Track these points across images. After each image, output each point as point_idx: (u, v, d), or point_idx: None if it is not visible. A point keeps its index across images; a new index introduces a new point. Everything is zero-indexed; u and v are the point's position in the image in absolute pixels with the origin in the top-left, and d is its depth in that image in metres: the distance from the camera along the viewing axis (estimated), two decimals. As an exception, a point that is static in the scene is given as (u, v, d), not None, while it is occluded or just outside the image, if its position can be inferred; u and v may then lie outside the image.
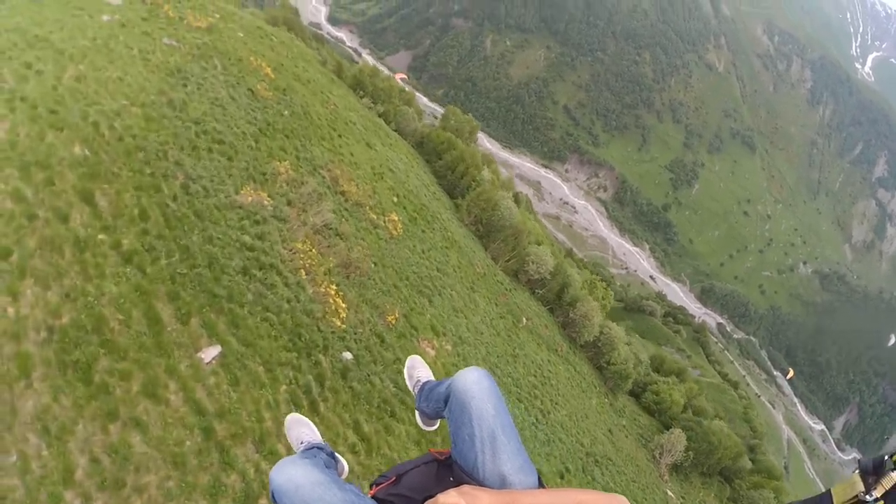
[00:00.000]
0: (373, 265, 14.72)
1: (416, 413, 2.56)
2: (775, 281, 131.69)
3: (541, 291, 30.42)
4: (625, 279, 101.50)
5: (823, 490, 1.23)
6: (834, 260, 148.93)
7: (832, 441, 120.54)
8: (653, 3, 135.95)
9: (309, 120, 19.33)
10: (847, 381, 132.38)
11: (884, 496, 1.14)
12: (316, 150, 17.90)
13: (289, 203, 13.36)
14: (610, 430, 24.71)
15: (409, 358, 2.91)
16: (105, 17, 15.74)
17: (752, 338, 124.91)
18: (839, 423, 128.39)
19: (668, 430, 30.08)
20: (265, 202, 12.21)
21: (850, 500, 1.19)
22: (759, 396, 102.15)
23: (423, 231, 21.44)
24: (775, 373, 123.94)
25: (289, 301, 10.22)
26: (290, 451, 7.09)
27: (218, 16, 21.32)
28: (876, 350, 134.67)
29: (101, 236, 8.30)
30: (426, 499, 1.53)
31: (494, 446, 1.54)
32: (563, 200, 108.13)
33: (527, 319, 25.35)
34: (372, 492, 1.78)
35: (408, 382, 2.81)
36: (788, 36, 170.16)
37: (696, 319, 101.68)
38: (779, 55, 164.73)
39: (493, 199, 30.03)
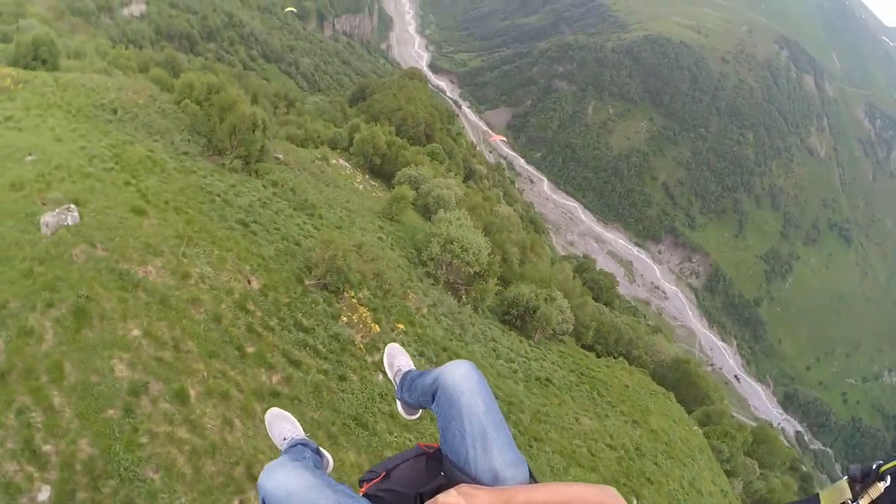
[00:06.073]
0: None
1: (398, 403, 2.40)
2: (859, 389, 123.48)
3: None
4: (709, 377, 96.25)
5: None
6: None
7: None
8: (759, 80, 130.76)
9: None
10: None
11: None
12: None
13: None
14: None
15: (387, 346, 2.65)
16: None
17: (828, 449, 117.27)
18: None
19: None
20: None
21: None
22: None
23: None
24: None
25: None
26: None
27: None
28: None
29: None
30: (418, 493, 1.56)
31: (485, 442, 1.52)
32: (654, 284, 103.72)
33: None
34: (362, 489, 1.75)
35: (388, 371, 2.58)
36: (890, 120, 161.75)
37: (777, 426, 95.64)
38: (879, 141, 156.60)
39: None
